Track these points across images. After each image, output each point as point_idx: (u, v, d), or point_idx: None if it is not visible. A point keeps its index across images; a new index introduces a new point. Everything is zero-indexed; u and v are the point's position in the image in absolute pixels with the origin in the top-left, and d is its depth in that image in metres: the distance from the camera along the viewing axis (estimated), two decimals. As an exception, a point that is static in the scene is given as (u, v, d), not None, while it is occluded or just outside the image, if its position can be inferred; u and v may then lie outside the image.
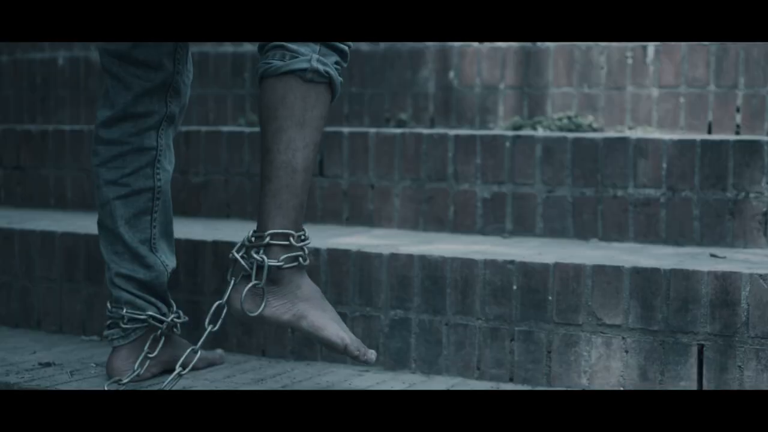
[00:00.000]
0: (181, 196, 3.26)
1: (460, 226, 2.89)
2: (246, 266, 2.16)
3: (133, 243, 2.35)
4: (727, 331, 2.21)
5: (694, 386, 2.24)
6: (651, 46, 3.25)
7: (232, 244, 2.64)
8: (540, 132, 3.09)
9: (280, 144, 2.12)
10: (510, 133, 2.88)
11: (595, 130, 3.28)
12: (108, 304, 2.37)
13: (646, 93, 3.25)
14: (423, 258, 2.45)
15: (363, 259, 2.51)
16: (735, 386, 2.21)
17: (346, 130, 3.06)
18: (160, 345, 2.35)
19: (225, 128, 3.29)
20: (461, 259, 2.42)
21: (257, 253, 2.14)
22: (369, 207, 3.00)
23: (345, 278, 2.52)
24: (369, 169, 3.00)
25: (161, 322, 2.36)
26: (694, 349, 2.24)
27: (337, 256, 2.53)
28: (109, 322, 2.36)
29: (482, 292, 2.40)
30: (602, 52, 3.31)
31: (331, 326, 2.17)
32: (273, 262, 2.14)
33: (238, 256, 2.17)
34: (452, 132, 2.95)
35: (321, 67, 2.12)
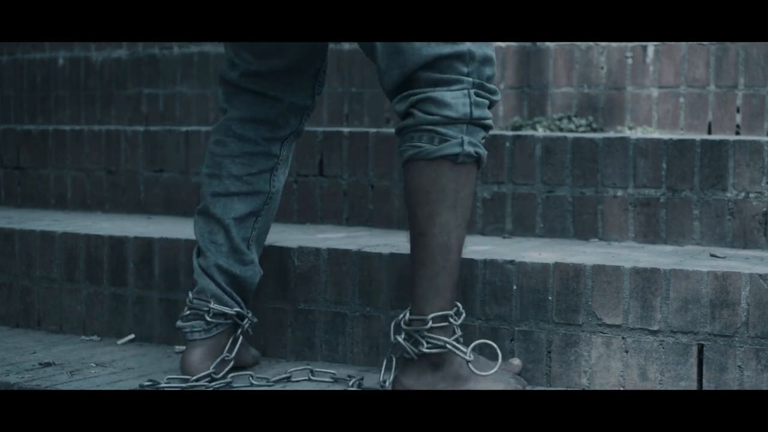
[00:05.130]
0: (182, 196, 3.26)
1: (460, 226, 2.89)
2: (411, 352, 2.16)
3: (237, 238, 2.37)
4: (727, 331, 2.21)
5: (694, 386, 2.24)
6: (651, 46, 3.25)
7: (232, 244, 2.64)
8: (540, 132, 3.09)
9: (434, 228, 2.12)
10: (510, 133, 2.88)
11: (595, 130, 3.28)
12: (190, 294, 2.36)
13: (646, 93, 3.25)
14: (423, 258, 2.45)
15: (363, 259, 2.51)
16: (735, 386, 2.21)
17: (346, 130, 3.07)
18: (238, 345, 2.37)
19: (225, 128, 3.29)
20: (461, 259, 2.42)
21: (421, 336, 2.14)
22: (369, 207, 3.00)
23: (345, 278, 2.52)
24: (369, 169, 3.00)
25: (243, 319, 2.38)
26: (694, 349, 2.24)
27: (337, 256, 2.53)
28: (188, 313, 2.35)
29: (482, 292, 2.40)
30: (602, 52, 3.31)
31: (500, 388, 2.20)
32: (443, 347, 2.14)
33: (401, 339, 2.17)
34: (452, 132, 2.95)
35: (472, 149, 2.11)
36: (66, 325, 2.87)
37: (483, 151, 2.14)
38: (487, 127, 2.14)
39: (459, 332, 2.18)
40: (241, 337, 2.38)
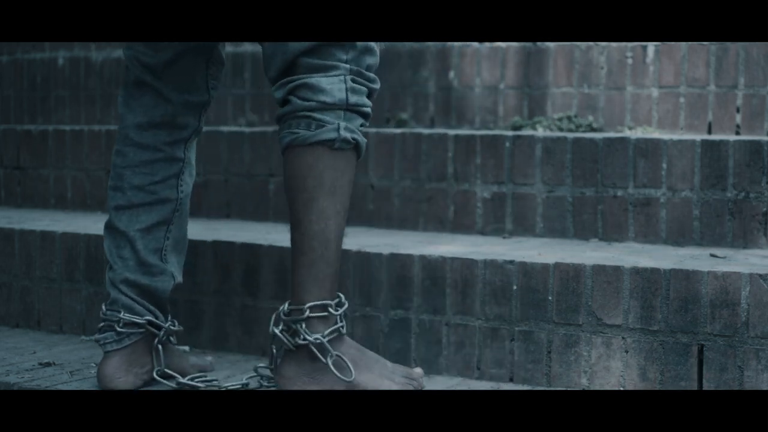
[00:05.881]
0: (181, 196, 3.26)
1: (460, 226, 2.89)
2: (288, 342, 2.15)
3: (144, 251, 2.32)
4: (727, 331, 2.21)
5: (694, 386, 2.24)
6: (651, 46, 3.25)
7: (232, 244, 2.64)
8: (540, 132, 3.09)
9: (312, 215, 2.11)
10: (510, 133, 2.88)
11: (595, 130, 3.28)
12: (103, 306, 2.33)
13: (646, 93, 3.25)
14: (423, 258, 2.45)
15: (363, 259, 2.51)
16: (735, 386, 2.21)
17: (346, 130, 3.06)
18: (162, 354, 2.32)
19: (225, 128, 3.29)
20: (461, 259, 2.42)
21: (300, 326, 2.14)
22: (369, 207, 3.00)
23: (345, 278, 2.52)
24: (369, 169, 3.00)
25: (159, 328, 2.32)
26: (694, 349, 2.24)
27: (337, 256, 2.53)
28: (102, 324, 2.31)
29: (482, 292, 2.40)
30: (602, 52, 3.31)
31: (384, 384, 2.19)
32: (318, 337, 2.13)
33: (278, 331, 2.16)
34: (452, 132, 2.95)
35: (349, 135, 2.11)
36: (66, 325, 2.87)
37: (361, 139, 2.13)
38: (365, 115, 2.14)
39: (341, 322, 2.17)
40: (161, 347, 2.32)
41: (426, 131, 2.98)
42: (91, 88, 4.13)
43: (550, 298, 2.35)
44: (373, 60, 2.15)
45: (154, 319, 2.32)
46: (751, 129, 3.13)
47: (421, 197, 2.94)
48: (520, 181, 2.83)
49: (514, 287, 2.38)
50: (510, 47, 3.43)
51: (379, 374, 2.19)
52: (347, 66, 2.11)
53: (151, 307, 2.33)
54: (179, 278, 2.38)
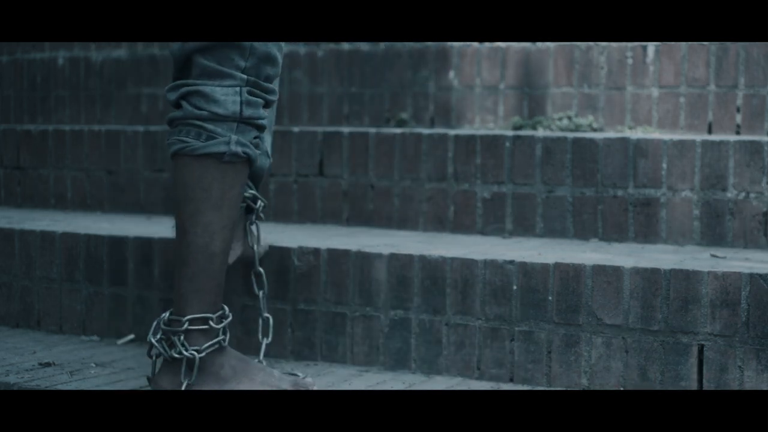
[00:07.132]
0: (181, 196, 3.26)
1: (460, 226, 2.89)
2: (164, 353, 2.13)
3: None
4: (727, 331, 2.21)
5: (694, 386, 2.24)
6: (651, 46, 3.25)
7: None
8: (540, 132, 3.09)
9: (197, 227, 2.07)
10: (510, 133, 2.88)
11: (595, 130, 3.28)
12: None
13: (646, 93, 3.25)
14: (423, 258, 2.45)
15: (363, 259, 2.51)
16: (735, 386, 2.21)
17: (346, 130, 3.06)
18: (258, 232, 2.39)
19: (225, 128, 3.29)
20: (461, 259, 2.42)
21: (177, 339, 2.11)
22: (369, 207, 3.00)
23: (345, 278, 2.52)
24: (369, 169, 3.00)
25: (256, 201, 2.36)
26: (694, 349, 2.24)
27: (337, 256, 2.53)
28: None
29: (482, 292, 2.40)
30: (602, 52, 3.31)
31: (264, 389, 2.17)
32: (194, 353, 2.10)
33: (154, 340, 2.13)
34: (452, 132, 2.95)
35: (240, 149, 2.07)
36: (66, 325, 2.87)
37: (253, 152, 2.10)
38: (259, 127, 2.11)
39: (222, 335, 2.14)
40: (254, 226, 2.39)
41: (426, 131, 2.98)
42: (91, 88, 4.13)
43: (550, 298, 2.35)
44: (273, 71, 2.11)
45: (256, 193, 2.35)
46: (751, 129, 3.13)
47: (421, 197, 2.94)
48: (520, 181, 2.83)
49: (514, 287, 2.38)
50: (510, 47, 3.43)
51: (261, 382, 2.16)
52: (244, 76, 2.07)
53: (251, 184, 2.36)
54: (271, 158, 2.45)
